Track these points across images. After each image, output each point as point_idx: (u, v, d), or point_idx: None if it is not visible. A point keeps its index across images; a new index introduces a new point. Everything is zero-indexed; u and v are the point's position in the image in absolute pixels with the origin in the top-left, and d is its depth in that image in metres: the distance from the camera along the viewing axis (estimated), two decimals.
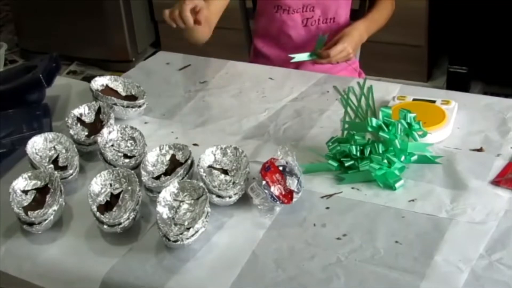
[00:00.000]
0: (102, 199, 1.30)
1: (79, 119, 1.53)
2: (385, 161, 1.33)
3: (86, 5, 3.56)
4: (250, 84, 1.74)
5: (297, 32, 1.92)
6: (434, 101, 1.55)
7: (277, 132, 1.54)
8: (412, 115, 1.37)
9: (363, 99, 1.62)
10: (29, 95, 1.65)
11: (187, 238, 1.19)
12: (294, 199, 1.28)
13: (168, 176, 1.34)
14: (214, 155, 1.37)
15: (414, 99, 1.56)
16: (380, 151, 1.33)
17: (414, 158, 1.36)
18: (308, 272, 1.15)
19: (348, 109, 1.59)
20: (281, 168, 1.31)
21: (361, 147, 1.35)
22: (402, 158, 1.34)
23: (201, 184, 1.28)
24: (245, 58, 2.11)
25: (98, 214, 1.25)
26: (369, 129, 1.35)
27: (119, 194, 1.31)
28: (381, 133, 1.34)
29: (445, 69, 3.08)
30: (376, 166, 1.32)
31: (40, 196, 1.32)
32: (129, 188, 1.31)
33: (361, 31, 1.84)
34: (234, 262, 1.18)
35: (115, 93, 1.62)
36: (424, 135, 1.38)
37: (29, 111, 1.61)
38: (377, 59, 3.16)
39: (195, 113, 1.63)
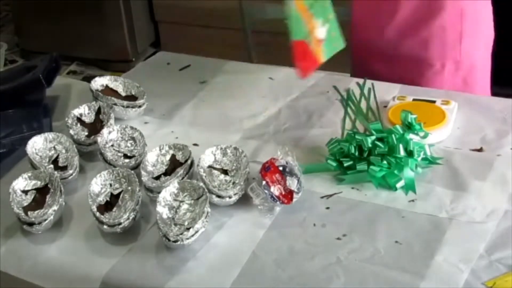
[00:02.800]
0: (102, 199, 1.30)
1: (79, 119, 1.53)
2: (384, 162, 1.33)
3: (86, 5, 3.57)
4: (250, 84, 1.74)
5: None
6: (434, 101, 1.55)
7: (277, 132, 1.54)
8: (413, 116, 1.37)
9: (363, 100, 1.62)
10: (29, 95, 1.65)
11: (187, 238, 1.19)
12: (294, 199, 1.28)
13: (168, 176, 1.34)
14: (214, 155, 1.37)
15: (414, 99, 1.56)
16: (381, 152, 1.33)
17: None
18: (308, 272, 1.15)
19: (348, 109, 1.59)
20: (281, 168, 1.31)
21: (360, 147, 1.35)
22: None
23: (201, 184, 1.28)
24: (245, 58, 2.11)
25: (98, 214, 1.25)
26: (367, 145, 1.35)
27: (119, 194, 1.31)
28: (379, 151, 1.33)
29: None
30: (376, 169, 1.32)
31: (40, 196, 1.32)
32: (129, 188, 1.31)
33: None
34: (234, 262, 1.18)
35: (115, 93, 1.62)
36: (425, 136, 1.38)
37: (29, 111, 1.61)
38: None
39: (195, 113, 1.63)
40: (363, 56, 1.89)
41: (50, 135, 1.45)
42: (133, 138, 1.46)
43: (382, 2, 1.77)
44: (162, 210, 1.24)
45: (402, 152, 1.33)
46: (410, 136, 1.36)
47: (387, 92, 1.64)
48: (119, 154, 1.43)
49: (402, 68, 1.80)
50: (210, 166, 1.36)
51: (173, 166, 1.38)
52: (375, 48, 1.83)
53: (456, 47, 1.77)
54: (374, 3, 1.80)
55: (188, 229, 1.19)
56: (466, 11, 1.74)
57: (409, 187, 1.31)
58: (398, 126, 1.36)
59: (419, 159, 1.35)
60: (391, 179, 1.32)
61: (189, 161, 1.36)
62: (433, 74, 1.78)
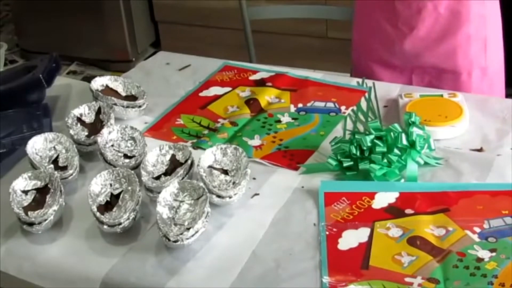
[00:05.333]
0: (102, 199, 1.30)
1: (79, 119, 1.53)
2: (385, 160, 1.33)
3: (86, 5, 3.57)
4: None
5: None
6: (441, 95, 1.55)
7: None
8: (418, 117, 1.36)
9: (363, 100, 1.62)
10: (29, 95, 1.65)
11: (187, 238, 1.19)
12: None
13: (168, 176, 1.34)
14: (214, 155, 1.37)
15: (421, 95, 1.56)
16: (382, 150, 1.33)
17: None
18: (308, 272, 1.15)
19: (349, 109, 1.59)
20: None
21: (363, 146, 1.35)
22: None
23: (201, 184, 1.28)
24: (245, 58, 2.10)
25: (98, 214, 1.25)
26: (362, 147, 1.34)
27: (119, 194, 1.31)
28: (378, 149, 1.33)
29: None
30: (376, 167, 1.32)
31: (40, 196, 1.32)
32: (129, 188, 1.31)
33: None
34: (234, 262, 1.18)
35: (115, 93, 1.62)
36: (428, 137, 1.37)
37: (29, 111, 1.61)
38: None
39: None
40: (367, 66, 1.86)
41: (50, 135, 1.45)
42: (133, 138, 1.46)
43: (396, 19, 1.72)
44: (162, 210, 1.24)
45: (404, 141, 1.32)
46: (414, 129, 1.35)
47: (388, 91, 1.64)
48: (119, 154, 1.43)
49: (421, 78, 1.78)
50: (210, 166, 1.36)
51: (173, 166, 1.38)
52: (385, 63, 1.81)
53: (481, 55, 1.74)
54: (384, 21, 1.76)
55: (188, 229, 1.19)
56: (488, 17, 1.71)
57: (411, 178, 1.31)
58: (396, 125, 1.36)
59: (423, 151, 1.34)
60: (392, 177, 1.32)
61: (189, 161, 1.36)
62: (460, 83, 1.74)
